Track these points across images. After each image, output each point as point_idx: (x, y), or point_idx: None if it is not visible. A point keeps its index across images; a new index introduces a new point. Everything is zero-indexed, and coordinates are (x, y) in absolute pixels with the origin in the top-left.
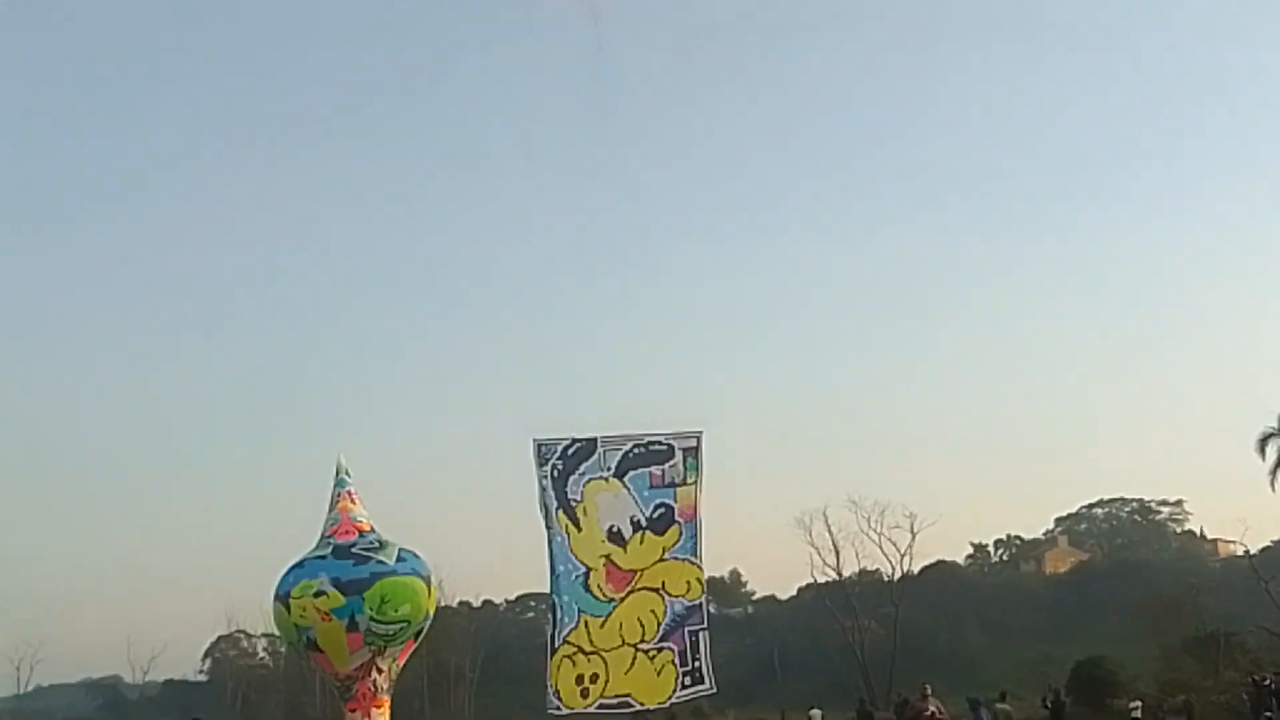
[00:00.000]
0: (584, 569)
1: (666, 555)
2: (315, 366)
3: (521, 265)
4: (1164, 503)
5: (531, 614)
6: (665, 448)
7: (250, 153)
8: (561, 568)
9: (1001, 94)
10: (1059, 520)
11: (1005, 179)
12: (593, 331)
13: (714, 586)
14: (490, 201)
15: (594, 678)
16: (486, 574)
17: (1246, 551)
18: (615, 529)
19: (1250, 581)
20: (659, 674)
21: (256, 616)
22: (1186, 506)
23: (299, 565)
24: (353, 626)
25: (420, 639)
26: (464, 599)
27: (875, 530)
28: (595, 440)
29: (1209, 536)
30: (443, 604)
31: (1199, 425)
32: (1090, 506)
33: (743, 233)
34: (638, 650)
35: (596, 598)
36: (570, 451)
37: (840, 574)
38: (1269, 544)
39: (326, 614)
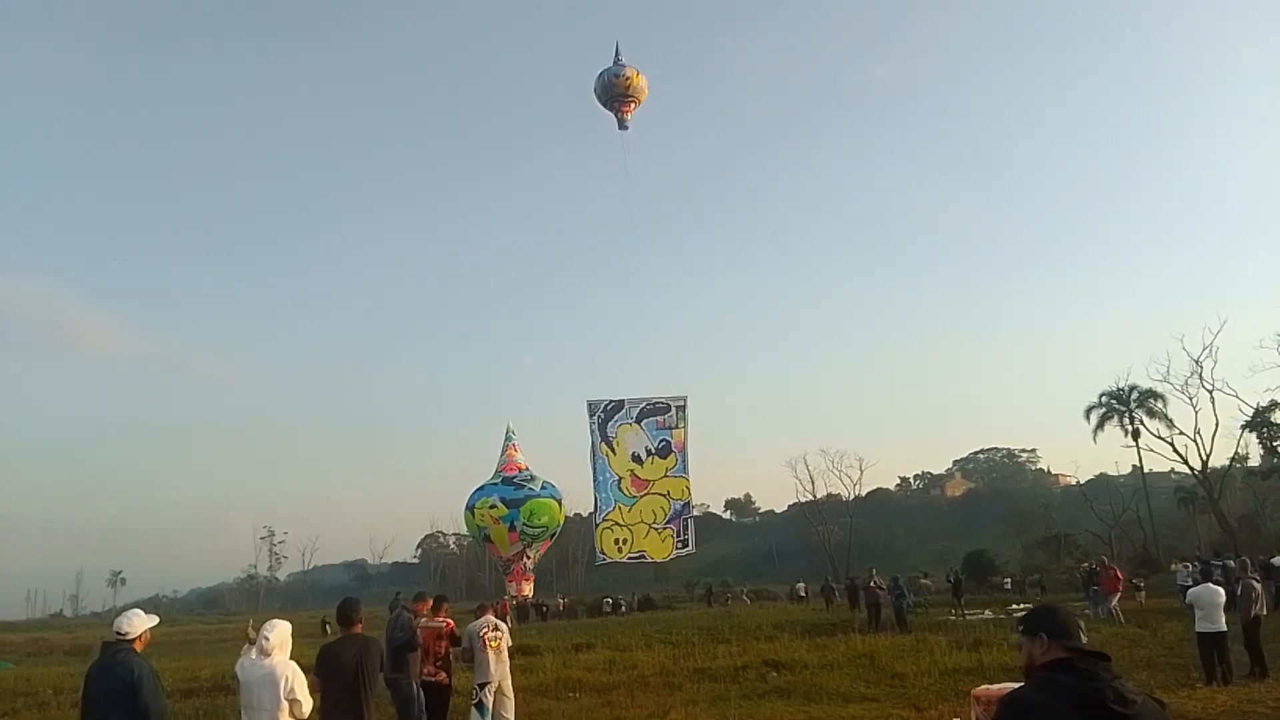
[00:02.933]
0: (617, 477)
1: (668, 474)
2: (492, 371)
3: (577, 322)
4: (1024, 450)
5: None
6: (665, 405)
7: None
8: (602, 476)
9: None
10: (956, 461)
11: (920, 245)
12: (648, 347)
13: (733, 503)
14: (570, 289)
15: (625, 541)
16: None
17: (1078, 482)
18: (635, 454)
19: (1080, 502)
20: (663, 541)
21: (449, 521)
22: (1039, 452)
23: (480, 488)
24: (513, 528)
25: (554, 538)
26: (578, 511)
27: (837, 468)
28: (624, 401)
29: (1053, 472)
30: (568, 515)
31: (1048, 400)
32: (976, 452)
33: (761, 269)
34: (651, 527)
35: (625, 494)
36: (609, 407)
37: (815, 496)
38: (1092, 477)
39: (497, 520)
